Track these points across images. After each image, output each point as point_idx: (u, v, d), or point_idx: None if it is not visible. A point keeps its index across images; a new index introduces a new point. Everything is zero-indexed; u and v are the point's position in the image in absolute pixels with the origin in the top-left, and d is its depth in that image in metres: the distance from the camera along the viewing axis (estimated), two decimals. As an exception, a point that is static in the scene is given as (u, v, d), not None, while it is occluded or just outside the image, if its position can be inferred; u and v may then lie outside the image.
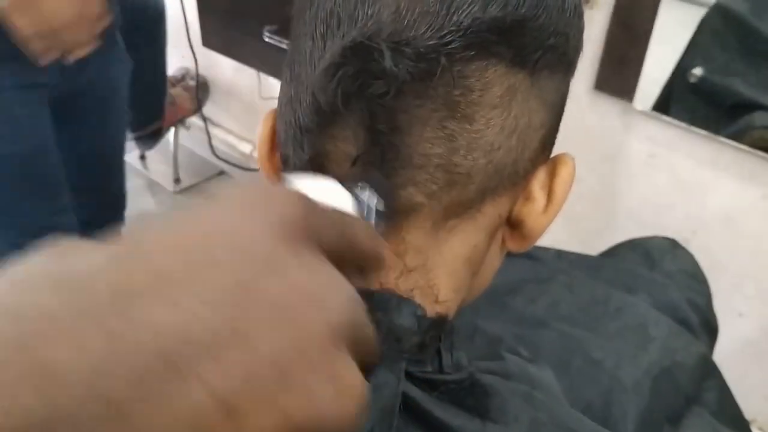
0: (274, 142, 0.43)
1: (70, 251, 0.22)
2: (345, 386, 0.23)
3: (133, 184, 2.30)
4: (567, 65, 0.39)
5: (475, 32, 0.33)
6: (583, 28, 0.40)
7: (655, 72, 1.27)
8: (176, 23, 1.90)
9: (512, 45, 0.35)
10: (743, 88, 1.24)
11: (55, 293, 0.20)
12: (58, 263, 0.21)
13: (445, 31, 0.33)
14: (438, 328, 0.39)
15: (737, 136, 1.21)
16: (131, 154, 2.36)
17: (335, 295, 0.24)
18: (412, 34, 0.33)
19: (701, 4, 1.25)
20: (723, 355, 0.97)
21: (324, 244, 0.25)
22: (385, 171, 0.35)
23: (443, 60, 0.33)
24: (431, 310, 0.39)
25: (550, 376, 0.57)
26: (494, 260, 0.44)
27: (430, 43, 0.33)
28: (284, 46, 1.37)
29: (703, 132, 1.24)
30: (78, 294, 0.20)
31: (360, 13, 0.34)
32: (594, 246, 1.18)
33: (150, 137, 2.18)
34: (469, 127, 0.35)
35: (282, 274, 0.23)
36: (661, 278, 0.94)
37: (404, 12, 0.33)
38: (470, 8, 0.33)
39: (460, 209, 0.37)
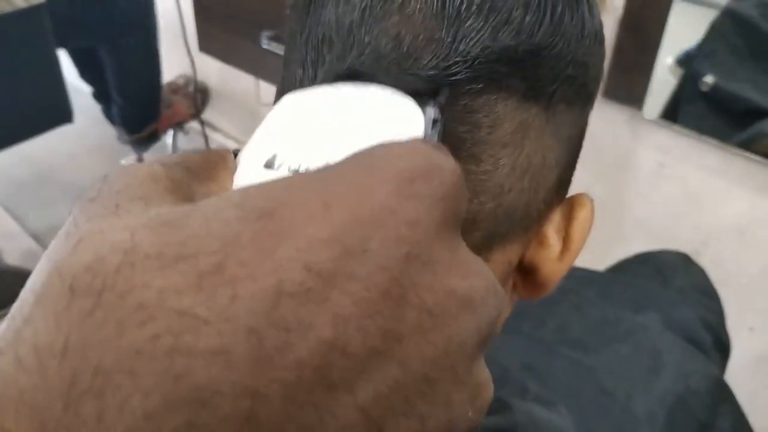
0: None
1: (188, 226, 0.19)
2: (480, 390, 0.22)
3: (131, 189, 2.28)
4: (586, 97, 0.36)
5: (483, 63, 0.29)
6: (604, 54, 0.36)
7: (665, 78, 1.24)
8: (174, 28, 1.87)
9: (525, 77, 0.31)
10: (754, 94, 1.21)
11: (200, 293, 0.17)
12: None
13: (451, 61, 0.29)
14: None
15: (748, 144, 1.19)
16: (128, 158, 2.33)
17: (486, 297, 0.21)
18: (413, 64, 0.29)
19: (712, 6, 1.21)
20: (734, 370, 0.94)
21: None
22: None
23: (448, 93, 0.30)
24: None
25: (561, 422, 0.54)
26: (505, 309, 0.40)
27: (433, 73, 0.29)
28: (282, 53, 1.34)
29: (713, 141, 1.21)
30: (223, 295, 0.17)
31: (356, 39, 0.30)
32: (601, 256, 1.15)
33: (146, 139, 2.16)
34: (475, 168, 0.31)
35: (439, 273, 0.20)
36: (673, 295, 0.91)
37: (405, 39, 0.30)
38: (479, 36, 0.29)
39: None
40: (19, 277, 1.91)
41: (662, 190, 1.32)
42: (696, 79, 1.22)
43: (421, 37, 0.29)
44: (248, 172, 0.26)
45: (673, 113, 1.26)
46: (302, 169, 0.25)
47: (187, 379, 0.17)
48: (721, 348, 0.91)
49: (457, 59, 0.29)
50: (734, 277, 1.27)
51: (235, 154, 0.29)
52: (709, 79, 1.21)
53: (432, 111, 0.28)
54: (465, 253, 0.22)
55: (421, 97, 0.29)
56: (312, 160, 0.26)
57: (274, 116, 0.30)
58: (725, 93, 1.22)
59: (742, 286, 1.27)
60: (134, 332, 0.17)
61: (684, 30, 1.21)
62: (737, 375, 0.97)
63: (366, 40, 0.30)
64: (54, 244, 0.20)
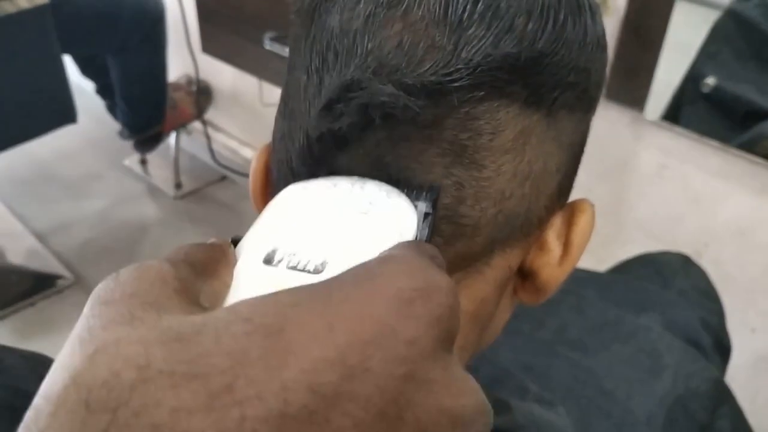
0: (267, 178, 0.39)
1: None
2: None
3: (133, 189, 2.28)
4: (588, 103, 0.36)
5: (485, 70, 0.30)
6: (606, 61, 0.36)
7: (666, 79, 1.24)
8: (177, 29, 1.88)
9: (527, 84, 0.31)
10: (756, 96, 1.21)
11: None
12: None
13: (452, 69, 0.29)
14: None
15: (749, 145, 1.19)
16: (131, 158, 2.33)
17: (476, 416, 0.22)
18: (415, 71, 0.30)
19: (714, 6, 1.21)
20: (735, 371, 0.94)
21: None
22: None
23: (450, 100, 0.30)
24: None
25: (561, 422, 0.54)
26: (504, 313, 0.41)
27: (435, 80, 0.29)
28: (284, 54, 1.35)
29: (714, 143, 1.21)
30: (232, 417, 0.18)
31: (359, 47, 0.30)
32: (602, 257, 1.15)
33: (150, 141, 2.16)
34: (477, 174, 0.32)
35: (434, 392, 0.21)
36: (674, 297, 0.91)
37: (407, 47, 0.30)
38: (481, 43, 0.29)
39: (465, 262, 0.34)
40: (22, 275, 1.92)
41: (663, 192, 1.32)
42: (698, 80, 1.22)
43: (422, 44, 0.30)
44: (248, 267, 0.27)
45: (674, 115, 1.26)
46: (300, 268, 0.26)
47: None
48: (722, 350, 0.91)
49: (459, 66, 0.29)
50: (735, 278, 1.27)
51: (235, 242, 0.30)
52: (710, 80, 1.21)
53: (423, 205, 0.30)
54: (458, 371, 0.22)
55: (414, 191, 0.30)
56: (310, 258, 0.27)
57: (274, 208, 0.31)
58: (727, 94, 1.22)
59: (744, 287, 1.27)
60: None
61: (686, 31, 1.21)
62: (739, 376, 0.97)
63: (369, 47, 0.30)
64: (69, 349, 0.20)
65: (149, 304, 0.22)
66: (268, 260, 0.27)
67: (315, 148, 0.32)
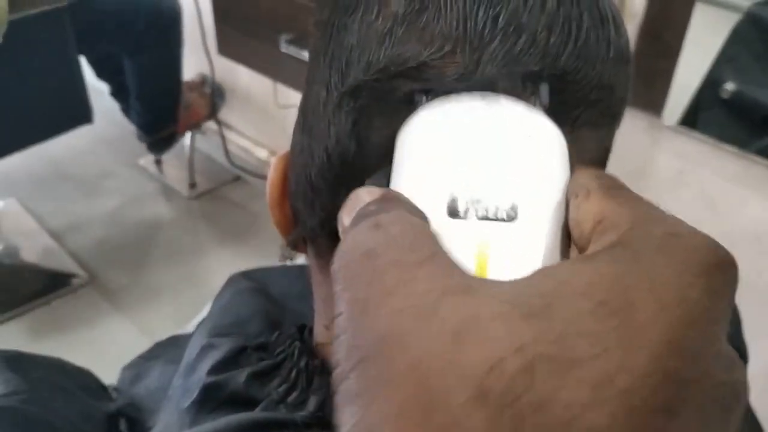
0: (285, 188, 0.39)
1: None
2: None
3: (148, 189, 2.29)
4: (611, 118, 0.35)
5: (507, 88, 0.29)
6: (631, 74, 0.35)
7: (685, 83, 1.23)
8: (193, 31, 1.88)
9: (549, 102, 0.30)
10: (775, 101, 1.19)
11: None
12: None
13: (473, 84, 0.29)
14: None
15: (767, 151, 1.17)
16: (146, 158, 2.35)
17: (745, 395, 0.22)
18: (436, 84, 0.29)
19: (734, 9, 1.20)
20: (751, 378, 0.93)
21: None
22: None
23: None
24: None
25: None
26: None
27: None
28: (300, 56, 1.35)
29: (732, 149, 1.20)
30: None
31: (378, 64, 0.30)
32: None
33: (163, 141, 2.17)
34: None
35: (725, 369, 0.20)
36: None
37: (429, 62, 0.29)
38: (502, 60, 0.29)
39: None
40: (37, 274, 1.93)
41: (681, 197, 1.31)
42: (716, 85, 1.21)
43: (442, 60, 0.29)
44: (436, 224, 0.25)
45: (692, 120, 1.25)
46: (492, 216, 0.25)
47: None
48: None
49: (480, 81, 0.29)
50: (752, 283, 1.26)
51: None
52: (729, 86, 1.20)
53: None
54: (727, 346, 0.22)
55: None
56: (497, 204, 0.25)
57: (421, 141, 0.28)
58: (746, 99, 1.20)
59: (761, 293, 1.26)
60: None
61: (705, 36, 1.19)
62: (755, 382, 0.95)
63: (384, 63, 0.30)
64: (385, 314, 0.19)
65: (448, 264, 0.21)
66: (453, 212, 0.25)
67: (335, 165, 0.32)
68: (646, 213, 0.24)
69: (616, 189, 0.26)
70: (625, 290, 0.19)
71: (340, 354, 0.20)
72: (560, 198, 0.27)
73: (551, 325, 0.18)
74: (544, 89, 0.30)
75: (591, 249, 0.23)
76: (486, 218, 0.25)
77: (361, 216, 0.24)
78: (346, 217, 0.26)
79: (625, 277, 0.20)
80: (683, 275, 0.20)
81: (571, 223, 0.26)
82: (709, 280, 0.21)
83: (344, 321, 0.20)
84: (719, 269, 0.21)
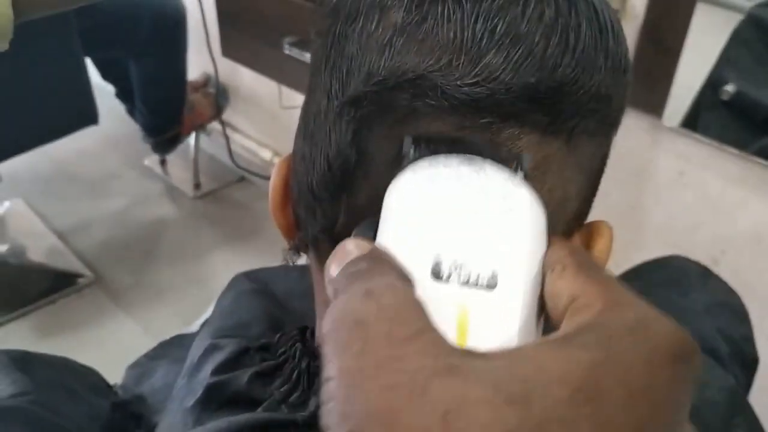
0: (287, 192, 0.39)
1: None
2: None
3: (153, 189, 2.30)
4: (609, 127, 0.35)
5: (504, 99, 0.30)
6: (630, 83, 0.35)
7: (685, 85, 1.23)
8: (197, 32, 1.89)
9: (548, 112, 0.31)
10: (777, 102, 1.19)
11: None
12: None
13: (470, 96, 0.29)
14: None
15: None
16: (151, 158, 2.35)
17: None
18: (436, 94, 0.30)
19: (735, 9, 1.20)
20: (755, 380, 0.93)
21: None
22: None
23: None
24: None
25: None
26: None
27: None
28: (303, 59, 1.35)
29: (733, 150, 1.20)
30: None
31: (378, 75, 0.31)
32: (620, 263, 1.14)
33: (168, 142, 2.17)
34: None
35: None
36: (689, 305, 0.90)
37: (426, 74, 0.30)
38: (499, 72, 0.29)
39: None
40: (43, 274, 1.94)
41: (681, 198, 1.31)
42: (717, 86, 1.21)
43: (440, 71, 0.30)
44: (419, 283, 0.26)
45: (693, 121, 1.25)
46: (473, 282, 0.26)
47: None
48: (745, 361, 0.90)
49: (478, 95, 0.29)
50: (753, 285, 1.26)
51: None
52: (730, 87, 1.20)
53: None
54: (688, 428, 0.23)
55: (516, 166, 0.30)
56: (479, 270, 0.26)
57: (408, 203, 0.29)
58: (747, 101, 1.20)
59: (761, 294, 1.26)
60: None
61: (706, 37, 1.19)
62: (757, 386, 0.95)
63: (383, 74, 0.31)
64: (372, 388, 0.20)
65: (436, 341, 0.21)
66: (437, 274, 0.26)
67: (336, 174, 0.33)
68: (617, 296, 0.25)
69: (588, 266, 0.27)
70: (597, 379, 0.21)
71: (330, 420, 0.20)
72: (537, 270, 0.28)
73: (532, 413, 0.19)
74: (526, 158, 0.31)
75: (564, 327, 0.25)
76: (467, 284, 0.26)
77: (350, 274, 0.25)
78: (333, 268, 0.26)
79: (598, 366, 0.21)
80: (650, 364, 0.22)
81: (546, 296, 0.27)
82: (674, 369, 0.22)
83: (334, 388, 0.21)
84: (683, 359, 0.22)
